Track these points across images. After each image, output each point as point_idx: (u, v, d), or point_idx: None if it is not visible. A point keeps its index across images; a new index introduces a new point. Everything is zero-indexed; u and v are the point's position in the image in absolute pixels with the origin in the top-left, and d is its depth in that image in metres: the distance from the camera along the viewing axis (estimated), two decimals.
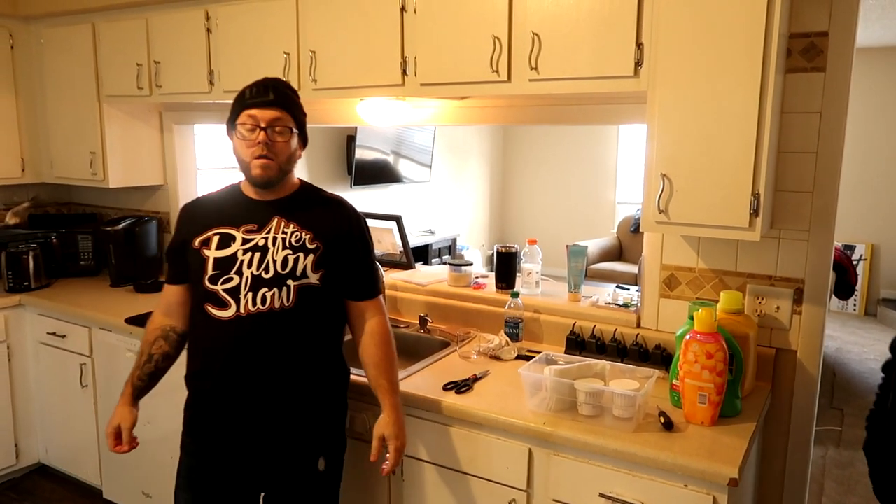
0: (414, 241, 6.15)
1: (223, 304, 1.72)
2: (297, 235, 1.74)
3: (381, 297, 1.89)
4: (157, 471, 2.73)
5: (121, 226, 3.30)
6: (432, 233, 6.92)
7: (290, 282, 1.71)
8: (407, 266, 2.95)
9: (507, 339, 2.31)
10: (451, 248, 7.02)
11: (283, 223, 1.75)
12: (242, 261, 1.72)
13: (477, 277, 2.74)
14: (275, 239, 1.73)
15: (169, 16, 2.85)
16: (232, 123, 1.74)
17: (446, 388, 1.99)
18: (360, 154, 5.94)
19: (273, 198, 1.79)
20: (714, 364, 1.69)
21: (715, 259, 2.12)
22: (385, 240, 3.01)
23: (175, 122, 3.39)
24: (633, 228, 7.05)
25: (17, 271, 3.18)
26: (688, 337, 1.74)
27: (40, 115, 3.42)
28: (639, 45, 1.87)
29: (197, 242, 1.76)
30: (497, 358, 2.25)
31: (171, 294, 1.87)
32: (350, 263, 1.80)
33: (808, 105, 1.93)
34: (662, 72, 1.81)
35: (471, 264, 2.75)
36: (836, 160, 1.93)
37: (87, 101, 3.19)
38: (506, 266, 2.59)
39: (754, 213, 1.74)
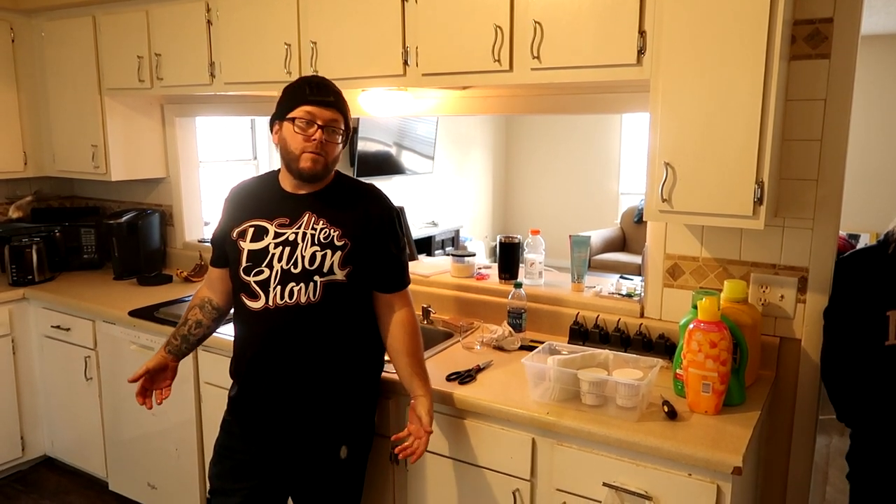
0: (417, 233, 6.15)
1: (255, 296, 1.78)
2: (325, 232, 1.76)
3: (409, 289, 1.90)
4: (163, 463, 2.74)
5: (123, 219, 3.31)
6: (435, 224, 6.91)
7: (316, 277, 1.75)
8: (410, 257, 2.94)
9: (511, 329, 2.30)
10: (454, 240, 7.01)
11: (313, 219, 1.78)
12: (273, 254, 1.76)
13: (480, 268, 2.74)
14: (304, 235, 1.76)
15: (169, 8, 2.84)
16: (283, 115, 1.76)
17: (450, 378, 1.99)
18: (363, 146, 5.92)
19: (307, 191, 1.81)
20: (718, 353, 1.69)
21: (719, 248, 2.11)
22: None
23: (176, 115, 3.39)
24: (637, 218, 7.03)
25: (21, 265, 3.19)
26: (691, 326, 1.74)
27: (42, 109, 3.41)
28: (641, 33, 1.85)
29: (235, 233, 1.83)
30: (500, 348, 2.25)
31: (213, 272, 1.97)
32: (378, 257, 1.82)
33: (813, 92, 1.92)
34: (665, 60, 1.80)
35: (474, 255, 2.74)
36: (840, 148, 1.92)
37: (88, 94, 3.19)
38: (509, 256, 2.59)
39: (758, 201, 1.73)
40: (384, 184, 6.39)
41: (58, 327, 3.03)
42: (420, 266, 2.84)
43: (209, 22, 2.72)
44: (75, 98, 3.25)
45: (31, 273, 3.20)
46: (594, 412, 1.75)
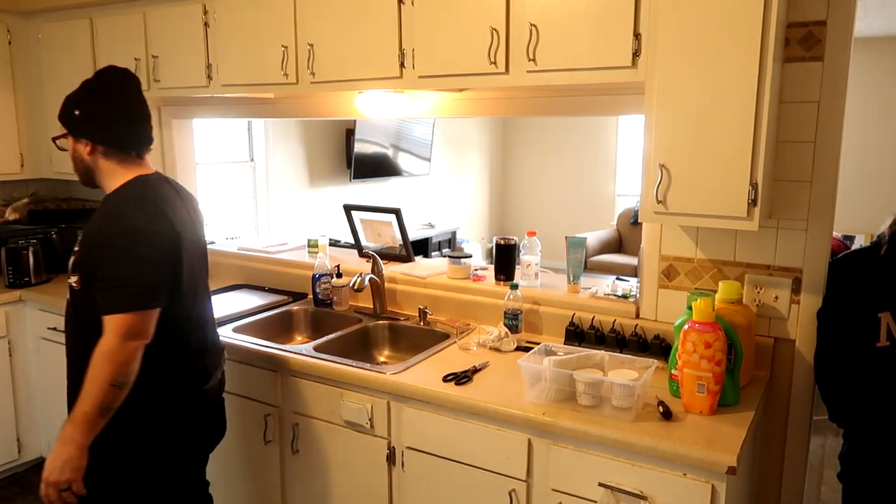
0: (413, 235, 6.13)
1: None
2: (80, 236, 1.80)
3: (118, 317, 1.65)
4: None
5: None
6: (432, 226, 6.92)
7: (70, 278, 1.81)
8: (406, 259, 2.95)
9: (507, 330, 2.31)
10: (451, 241, 7.02)
11: None
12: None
13: (476, 269, 2.74)
14: None
15: (166, 10, 2.85)
16: None
17: (446, 379, 2.00)
18: (360, 148, 5.93)
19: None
20: (712, 353, 1.70)
21: (713, 249, 2.12)
22: (385, 233, 3.01)
23: (174, 117, 3.39)
24: (633, 220, 7.05)
25: (17, 267, 3.18)
26: (686, 327, 1.74)
27: (39, 111, 3.41)
28: (637, 36, 1.87)
29: None
30: (496, 349, 2.26)
31: None
32: (92, 274, 1.71)
33: (807, 94, 1.93)
34: (660, 62, 1.81)
35: (470, 256, 2.75)
36: (834, 150, 1.94)
37: None
38: (505, 258, 2.59)
39: (752, 202, 1.75)
40: (381, 185, 6.44)
41: (54, 329, 3.02)
42: (417, 268, 2.85)
43: (206, 24, 2.73)
44: None
45: (27, 275, 3.20)
46: (590, 413, 1.76)
